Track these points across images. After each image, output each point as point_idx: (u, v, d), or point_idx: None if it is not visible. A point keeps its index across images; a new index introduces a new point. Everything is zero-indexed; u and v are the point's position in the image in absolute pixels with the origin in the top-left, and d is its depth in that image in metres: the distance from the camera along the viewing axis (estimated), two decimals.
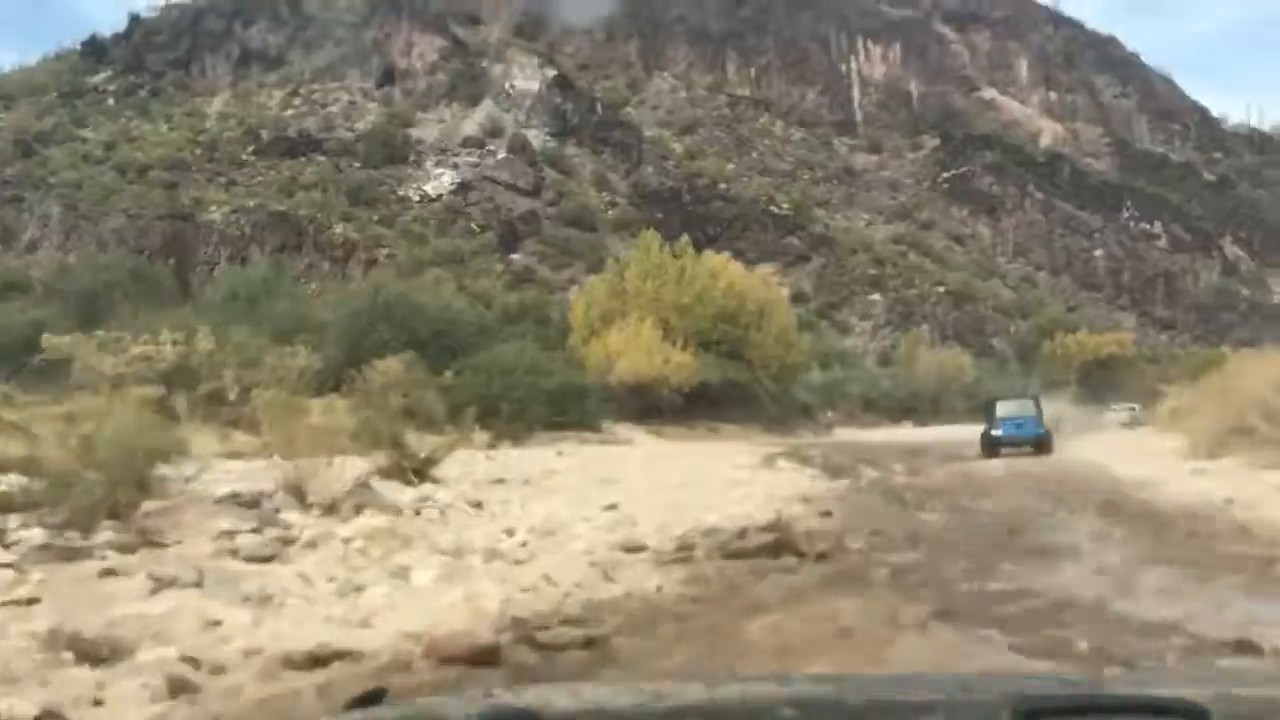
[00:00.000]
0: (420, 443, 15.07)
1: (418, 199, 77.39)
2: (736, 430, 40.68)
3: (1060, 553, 9.15)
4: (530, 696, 1.70)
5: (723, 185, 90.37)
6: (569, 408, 31.70)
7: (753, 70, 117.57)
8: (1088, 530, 10.74)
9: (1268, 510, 10.86)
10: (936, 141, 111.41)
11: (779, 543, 9.29)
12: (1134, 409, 48.94)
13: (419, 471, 13.31)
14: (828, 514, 12.51)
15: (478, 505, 11.92)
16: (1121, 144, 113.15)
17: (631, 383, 36.57)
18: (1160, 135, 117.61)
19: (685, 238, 47.35)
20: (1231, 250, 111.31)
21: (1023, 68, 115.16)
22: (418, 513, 10.69)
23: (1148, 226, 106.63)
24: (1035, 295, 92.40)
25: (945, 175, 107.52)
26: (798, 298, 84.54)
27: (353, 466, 11.17)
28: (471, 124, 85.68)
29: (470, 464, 17.39)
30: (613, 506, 12.12)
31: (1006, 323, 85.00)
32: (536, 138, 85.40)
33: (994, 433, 27.42)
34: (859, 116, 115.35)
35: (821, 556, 8.82)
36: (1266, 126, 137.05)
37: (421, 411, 27.55)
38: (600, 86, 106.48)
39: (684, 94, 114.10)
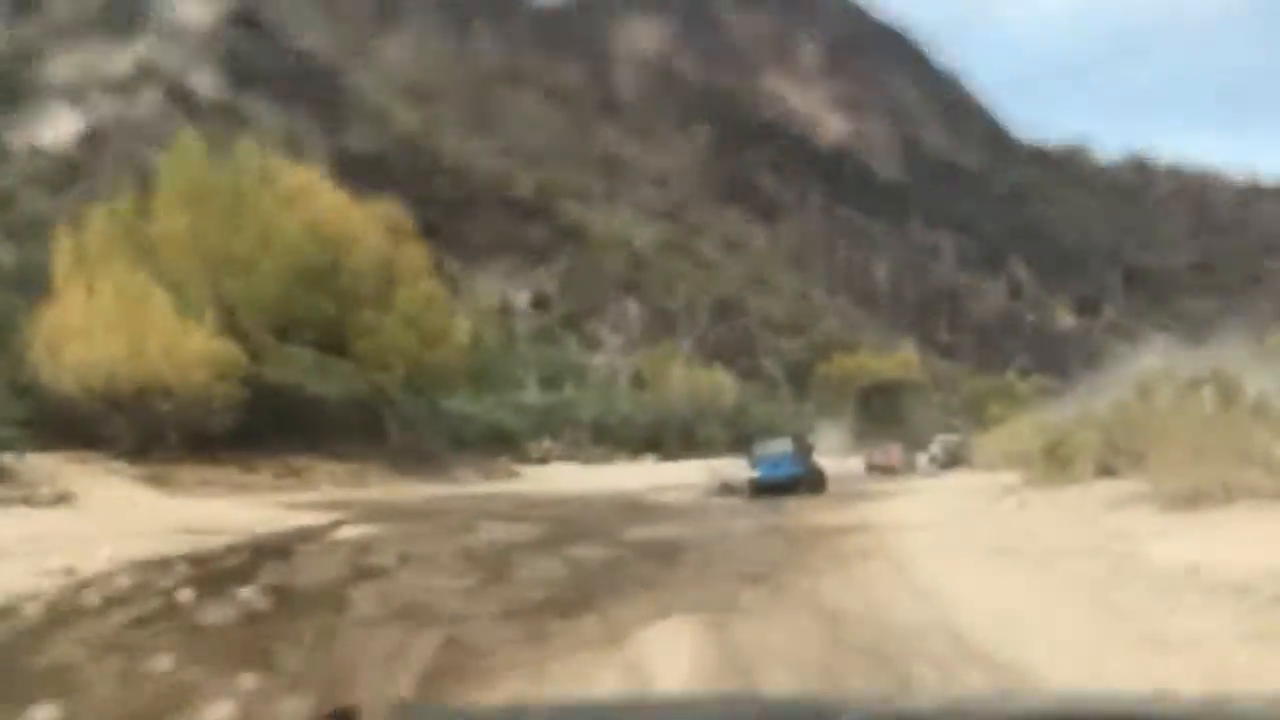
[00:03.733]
0: None
1: (26, 149, 60.17)
2: (342, 470, 27.23)
3: None
4: (507, 712, 1.82)
5: (449, 159, 76.85)
6: None
7: (505, 38, 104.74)
8: None
9: None
10: (710, 130, 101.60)
11: None
12: (951, 440, 40.72)
13: None
14: None
15: None
16: (911, 145, 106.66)
17: (110, 386, 22.55)
18: (950, 140, 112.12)
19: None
20: (1018, 271, 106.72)
21: (808, 54, 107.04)
22: None
23: (935, 239, 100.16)
24: (811, 310, 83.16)
25: (720, 173, 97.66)
26: (539, 302, 72.21)
27: None
28: (121, 63, 68.88)
29: None
30: None
31: (777, 340, 74.98)
32: (206, 84, 69.44)
33: (752, 474, 27.52)
34: (625, 97, 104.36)
35: None
36: (1052, 145, 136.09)
37: None
38: (321, 45, 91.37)
39: (422, 58, 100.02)
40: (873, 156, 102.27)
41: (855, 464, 41.89)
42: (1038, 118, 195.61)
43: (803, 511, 20.84)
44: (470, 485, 30.21)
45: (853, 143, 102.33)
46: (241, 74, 71.63)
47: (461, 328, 33.07)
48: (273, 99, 72.32)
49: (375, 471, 28.41)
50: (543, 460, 45.36)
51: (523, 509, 22.61)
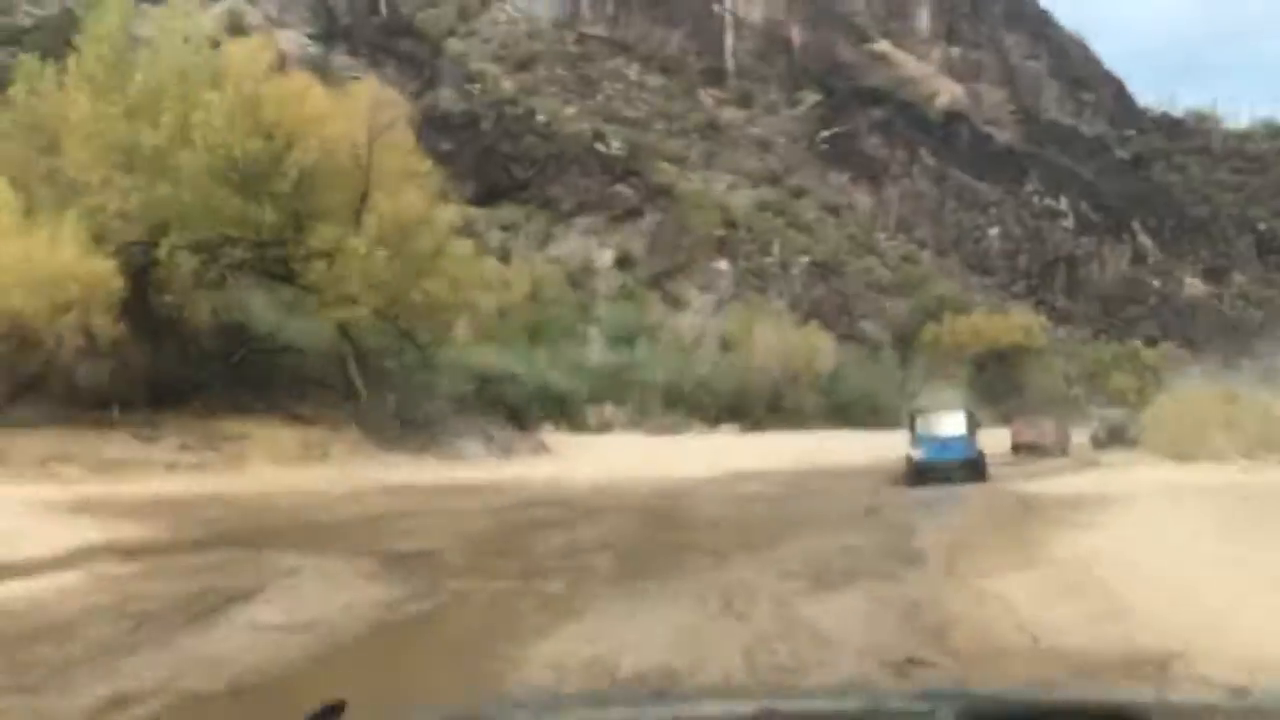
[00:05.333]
0: None
1: None
2: (294, 440, 19.65)
3: None
4: (491, 712, 1.77)
5: (541, 118, 69.25)
6: None
7: (609, 5, 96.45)
8: None
9: None
10: (818, 97, 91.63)
11: None
12: (1113, 415, 31.96)
13: None
14: None
15: None
16: (1028, 111, 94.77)
17: None
18: (1071, 106, 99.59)
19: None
20: (1142, 238, 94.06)
21: (923, 18, 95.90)
22: None
23: (1053, 203, 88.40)
24: (918, 272, 73.00)
25: (825, 134, 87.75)
26: (624, 261, 64.08)
27: None
28: (207, 19, 62.84)
29: None
30: None
31: (881, 301, 65.27)
32: (292, 39, 63.11)
33: (914, 454, 22.51)
34: (730, 65, 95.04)
35: None
36: (1179, 113, 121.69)
37: None
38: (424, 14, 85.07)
39: (524, 27, 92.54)
40: (988, 121, 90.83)
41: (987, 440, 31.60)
42: (1163, 86, 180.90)
43: (956, 547, 11.86)
44: (469, 465, 22.16)
45: (967, 108, 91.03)
46: (329, 29, 65.36)
47: (466, 251, 24.66)
48: (362, 56, 65.85)
49: (345, 443, 20.66)
50: (603, 429, 37.53)
51: (482, 518, 14.61)
